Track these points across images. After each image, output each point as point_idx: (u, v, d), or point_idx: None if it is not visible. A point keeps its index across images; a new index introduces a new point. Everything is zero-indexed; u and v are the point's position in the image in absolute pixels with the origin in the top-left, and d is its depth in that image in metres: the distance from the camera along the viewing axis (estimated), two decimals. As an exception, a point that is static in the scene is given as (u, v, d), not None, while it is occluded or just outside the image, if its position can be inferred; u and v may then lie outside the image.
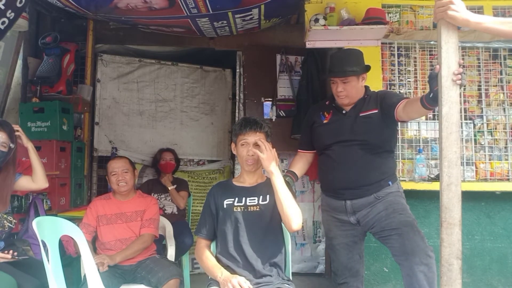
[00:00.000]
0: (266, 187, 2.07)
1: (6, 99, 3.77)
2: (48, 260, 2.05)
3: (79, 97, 3.85)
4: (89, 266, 2.04)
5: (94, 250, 2.64)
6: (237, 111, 4.28)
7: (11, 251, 2.23)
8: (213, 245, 2.15)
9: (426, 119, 3.25)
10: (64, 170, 3.59)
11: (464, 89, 3.24)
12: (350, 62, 2.33)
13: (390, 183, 2.33)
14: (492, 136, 3.25)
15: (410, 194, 2.65)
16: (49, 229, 2.12)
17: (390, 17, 3.29)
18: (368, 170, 2.30)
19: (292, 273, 2.24)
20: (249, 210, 2.05)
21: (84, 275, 2.10)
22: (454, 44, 1.73)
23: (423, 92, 3.11)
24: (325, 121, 2.43)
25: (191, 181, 4.37)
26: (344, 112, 2.39)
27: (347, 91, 2.33)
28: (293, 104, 4.01)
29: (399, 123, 2.44)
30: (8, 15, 2.87)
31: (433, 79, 1.85)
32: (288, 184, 2.34)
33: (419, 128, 3.26)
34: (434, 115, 3.20)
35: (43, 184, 2.57)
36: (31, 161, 2.57)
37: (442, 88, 1.72)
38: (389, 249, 2.28)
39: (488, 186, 3.12)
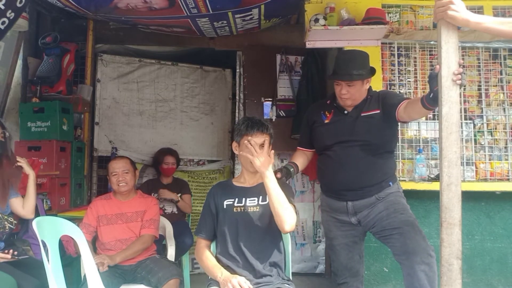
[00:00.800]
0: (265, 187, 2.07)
1: (6, 99, 3.77)
2: (48, 260, 2.05)
3: (79, 97, 3.85)
4: (89, 266, 2.04)
5: (94, 250, 2.64)
6: (237, 111, 4.28)
7: (11, 251, 2.23)
8: (213, 245, 2.15)
9: (426, 119, 3.25)
10: (64, 170, 3.59)
11: (464, 89, 3.24)
12: (357, 65, 2.30)
13: (390, 183, 2.34)
14: (492, 136, 3.25)
15: (410, 194, 2.65)
16: (49, 229, 2.12)
17: (390, 17, 3.29)
18: (370, 171, 2.30)
19: (292, 273, 2.24)
20: (249, 210, 2.04)
21: (84, 275, 2.10)
22: (454, 44, 1.73)
23: (423, 92, 3.11)
24: (326, 121, 2.41)
25: (191, 181, 4.37)
26: (346, 112, 2.37)
27: (350, 94, 2.31)
28: (293, 104, 4.02)
29: (399, 124, 2.44)
30: (8, 15, 2.87)
31: (433, 79, 1.85)
32: (288, 171, 2.34)
33: (419, 128, 3.26)
34: (434, 115, 3.19)
35: (30, 215, 2.58)
36: (27, 188, 2.58)
37: (442, 88, 1.72)
38: (390, 248, 2.28)
39: (488, 186, 3.12)
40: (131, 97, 4.37)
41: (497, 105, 3.27)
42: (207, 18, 3.44)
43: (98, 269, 2.13)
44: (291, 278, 2.14)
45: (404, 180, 3.10)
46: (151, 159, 4.13)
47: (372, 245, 3.10)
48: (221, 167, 4.68)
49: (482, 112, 3.27)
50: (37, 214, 2.85)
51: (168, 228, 3.09)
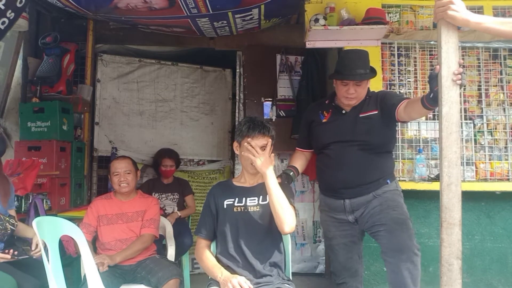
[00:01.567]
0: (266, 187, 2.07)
1: (6, 99, 3.77)
2: (48, 260, 2.05)
3: (79, 97, 3.85)
4: (89, 266, 2.03)
5: (94, 250, 2.64)
6: (237, 111, 4.29)
7: (11, 251, 2.23)
8: (213, 245, 2.15)
9: (426, 119, 3.25)
10: (64, 170, 3.59)
11: (464, 89, 3.23)
12: (363, 64, 2.31)
13: (388, 181, 2.34)
14: (492, 136, 3.25)
15: (410, 194, 2.65)
16: (49, 229, 2.11)
17: (390, 17, 3.28)
18: (368, 169, 2.30)
19: (292, 273, 2.24)
20: (249, 210, 2.04)
21: (84, 275, 2.10)
22: (454, 44, 1.73)
23: (423, 92, 3.11)
24: (324, 120, 2.42)
25: (191, 181, 4.37)
26: (343, 112, 2.38)
27: (358, 93, 2.31)
28: (293, 104, 4.02)
29: (399, 123, 2.44)
30: (8, 15, 2.88)
31: (433, 79, 1.85)
32: (288, 176, 2.34)
33: (419, 128, 3.26)
34: (434, 115, 3.19)
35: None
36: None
37: (442, 88, 1.72)
38: (380, 245, 2.28)
39: (488, 186, 3.12)
40: (131, 97, 4.37)
41: (497, 105, 3.27)
42: (207, 18, 3.44)
43: (98, 269, 2.13)
44: (291, 278, 2.14)
45: (404, 180, 3.09)
46: (151, 159, 4.14)
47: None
48: (221, 167, 4.69)
49: (482, 112, 3.26)
50: (37, 214, 2.86)
51: (168, 228, 3.10)
